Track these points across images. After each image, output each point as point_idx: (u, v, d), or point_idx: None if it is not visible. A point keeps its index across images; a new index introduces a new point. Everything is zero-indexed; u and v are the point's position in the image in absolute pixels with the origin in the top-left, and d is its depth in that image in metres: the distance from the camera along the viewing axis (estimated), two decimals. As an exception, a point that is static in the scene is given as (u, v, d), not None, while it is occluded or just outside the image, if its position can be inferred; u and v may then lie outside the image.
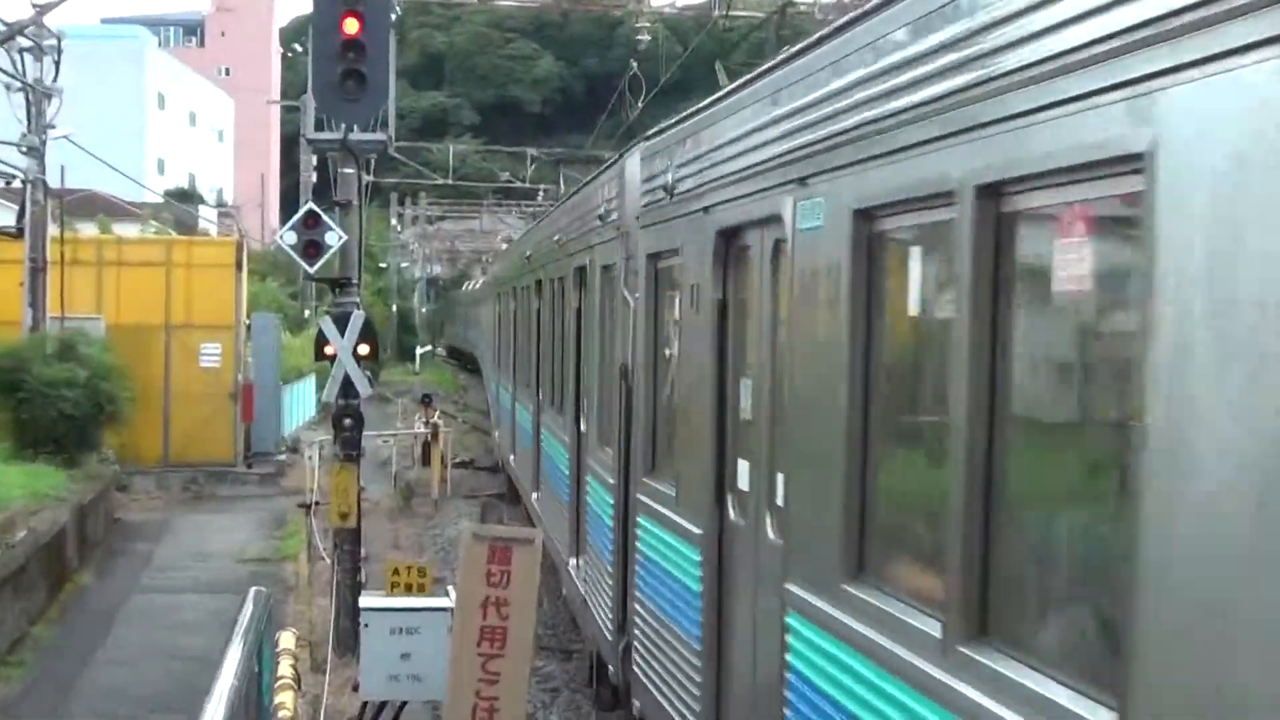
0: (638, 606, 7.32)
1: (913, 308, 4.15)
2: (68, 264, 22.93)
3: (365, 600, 10.27)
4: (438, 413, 25.89)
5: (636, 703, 7.52)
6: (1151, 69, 2.52)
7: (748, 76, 5.53)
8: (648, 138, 7.47)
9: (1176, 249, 2.35)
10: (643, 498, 7.48)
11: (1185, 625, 2.27)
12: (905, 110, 3.83)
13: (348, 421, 13.06)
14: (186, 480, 23.54)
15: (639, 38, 23.22)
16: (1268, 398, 2.11)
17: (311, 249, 13.12)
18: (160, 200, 44.46)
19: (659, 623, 7.03)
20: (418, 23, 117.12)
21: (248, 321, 25.34)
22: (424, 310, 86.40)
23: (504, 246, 38.76)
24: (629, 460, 7.93)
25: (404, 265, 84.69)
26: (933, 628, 3.55)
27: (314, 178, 41.42)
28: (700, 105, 6.27)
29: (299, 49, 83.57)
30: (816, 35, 4.74)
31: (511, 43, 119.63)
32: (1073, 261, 3.03)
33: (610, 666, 8.44)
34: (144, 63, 74.35)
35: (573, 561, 8.72)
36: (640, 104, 21.62)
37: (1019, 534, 3.31)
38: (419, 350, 63.82)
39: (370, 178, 32.55)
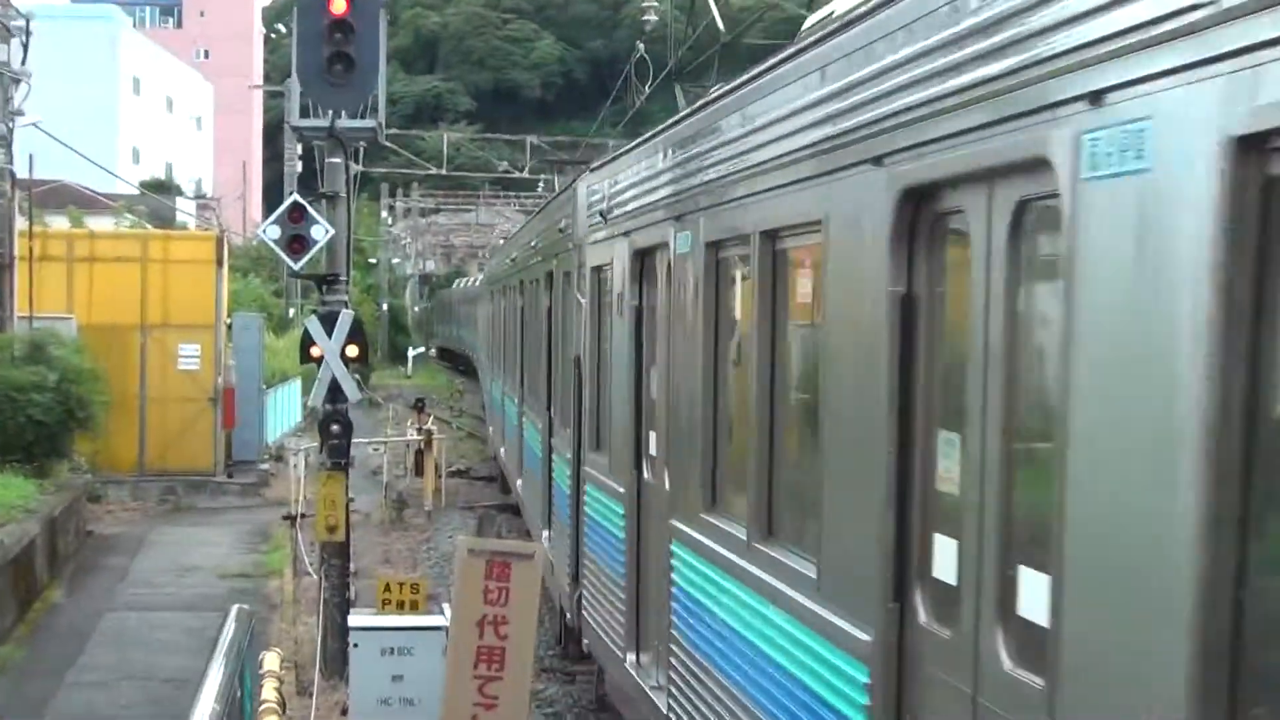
0: (586, 561, 9.11)
1: (736, 312, 6.20)
2: (37, 260, 22.94)
3: (354, 619, 10.28)
4: (431, 419, 25.94)
5: (586, 641, 9.64)
6: (824, 170, 4.67)
7: (657, 130, 7.39)
8: (593, 169, 9.37)
9: (836, 280, 4.60)
10: (588, 469, 9.68)
11: (843, 516, 4.48)
12: (725, 176, 5.94)
13: (335, 428, 13.09)
14: (164, 490, 23.59)
15: (645, 18, 22.83)
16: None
17: (296, 244, 13.14)
18: (135, 191, 44.58)
19: (598, 569, 9.02)
20: (410, 2, 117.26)
21: (228, 321, 25.33)
22: (416, 309, 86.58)
23: (501, 241, 38.82)
24: (581, 438, 9.84)
25: (395, 261, 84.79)
26: (741, 533, 5.88)
27: (299, 168, 41.47)
28: (626, 147, 8.12)
29: (283, 30, 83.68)
30: (684, 112, 6.80)
31: (510, 23, 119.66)
32: (802, 283, 5.35)
33: (568, 614, 10.59)
34: (117, 45, 74.57)
35: (545, 533, 10.39)
36: (648, 89, 21.40)
37: (785, 476, 5.56)
38: (411, 352, 63.97)
39: (359, 168, 32.54)
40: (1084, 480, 3.18)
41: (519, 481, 15.93)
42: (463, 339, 60.00)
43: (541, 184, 56.39)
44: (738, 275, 5.99)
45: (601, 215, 8.67)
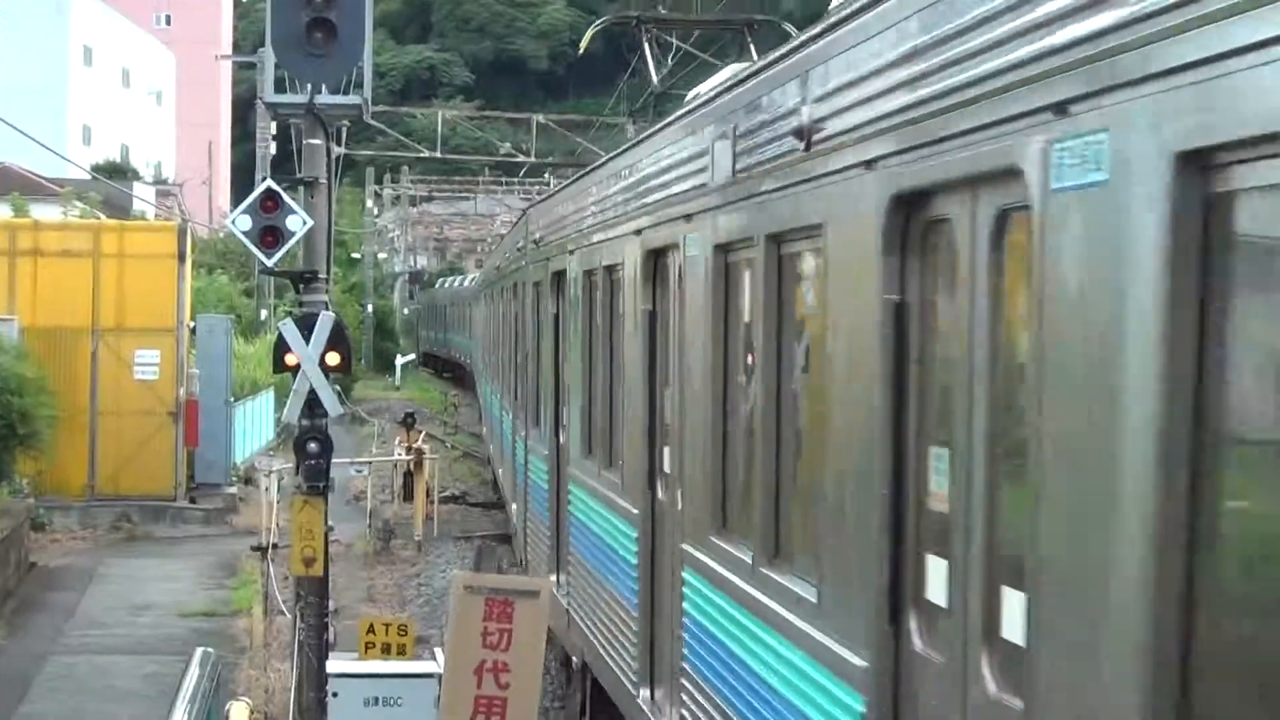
0: (527, 514, 13.28)
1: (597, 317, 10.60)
2: (-27, 254, 23.65)
3: (334, 664, 10.30)
4: (422, 436, 25.98)
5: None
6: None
7: (572, 178, 10.58)
8: (536, 203, 12.83)
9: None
10: (532, 441, 14.53)
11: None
12: (599, 221, 9.21)
13: (313, 446, 13.12)
14: (117, 517, 23.71)
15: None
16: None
17: (270, 236, 13.19)
18: (86, 176, 44.81)
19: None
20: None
21: (192, 324, 25.46)
22: (406, 311, 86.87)
23: (502, 234, 38.90)
24: (527, 422, 13.23)
25: (382, 256, 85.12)
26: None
27: (273, 150, 41.62)
28: (554, 190, 11.30)
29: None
30: (601, 161, 9.32)
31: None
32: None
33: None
34: (67, 10, 75.07)
35: (514, 505, 13.37)
36: (670, 60, 21.68)
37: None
38: (400, 360, 64.21)
39: (342, 150, 32.69)
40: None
41: (500, 469, 17.78)
42: (455, 345, 60.22)
43: (550, 170, 56.47)
44: (601, 288, 10.46)
45: (535, 243, 12.44)
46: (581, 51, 21.14)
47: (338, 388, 13.33)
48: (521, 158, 49.07)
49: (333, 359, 13.23)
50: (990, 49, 3.88)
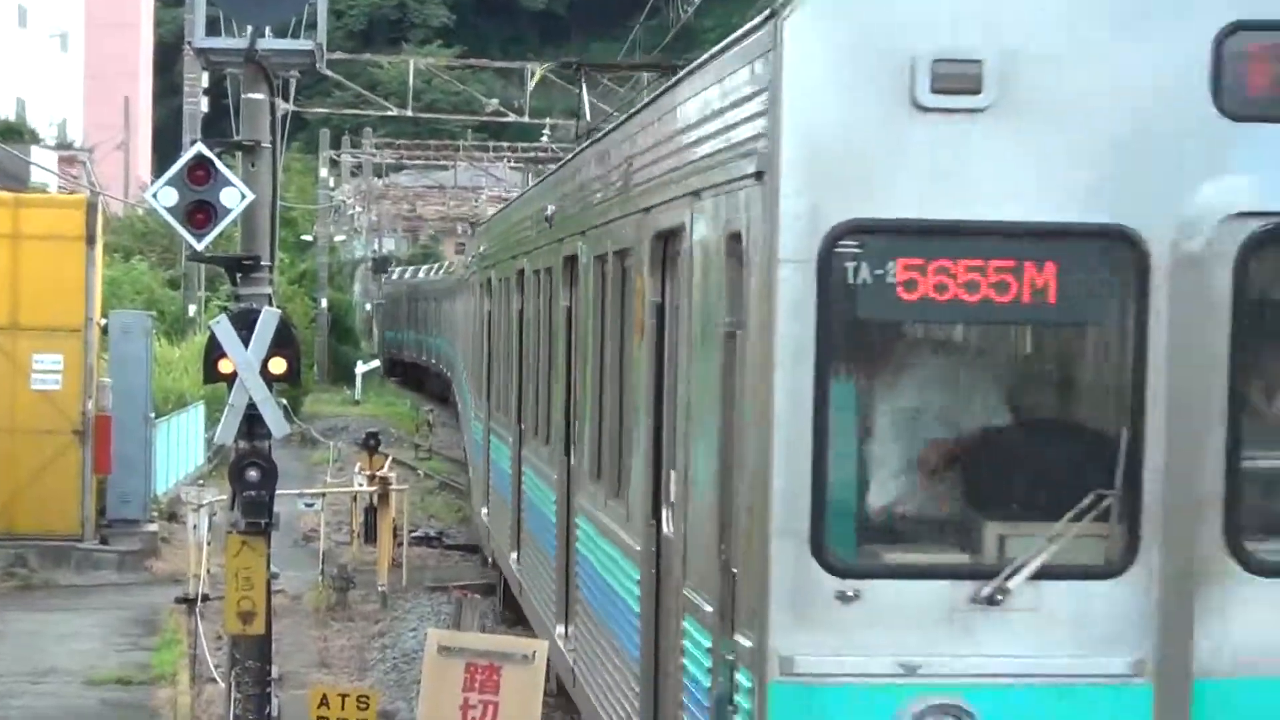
0: (488, 495, 18.42)
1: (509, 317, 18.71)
2: None
3: (278, 744, 10.30)
4: (389, 462, 26.03)
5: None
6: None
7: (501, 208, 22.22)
8: (480, 223, 22.97)
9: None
10: (493, 425, 19.24)
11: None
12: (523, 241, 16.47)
13: (252, 474, 13.19)
14: (11, 561, 23.70)
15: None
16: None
17: (200, 214, 13.27)
18: (-28, 139, 44.90)
19: (496, 495, 17.94)
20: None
21: (103, 322, 25.45)
22: (369, 307, 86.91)
23: (491, 211, 38.79)
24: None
25: (340, 239, 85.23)
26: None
27: (204, 107, 41.76)
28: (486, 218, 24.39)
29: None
30: (512, 199, 23.09)
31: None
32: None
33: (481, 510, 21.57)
34: (-50, -67, 74.99)
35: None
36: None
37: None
38: (361, 367, 64.28)
39: (290, 107, 32.66)
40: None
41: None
42: (430, 349, 60.34)
43: (548, 130, 56.22)
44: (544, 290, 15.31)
45: (479, 258, 19.11)
46: None
47: (284, 402, 13.36)
48: (513, 117, 48.88)
49: (277, 366, 13.28)
50: (667, 169, 9.16)
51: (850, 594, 6.68)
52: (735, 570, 7.38)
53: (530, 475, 15.80)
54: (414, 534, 26.71)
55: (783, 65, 6.77)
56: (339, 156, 77.32)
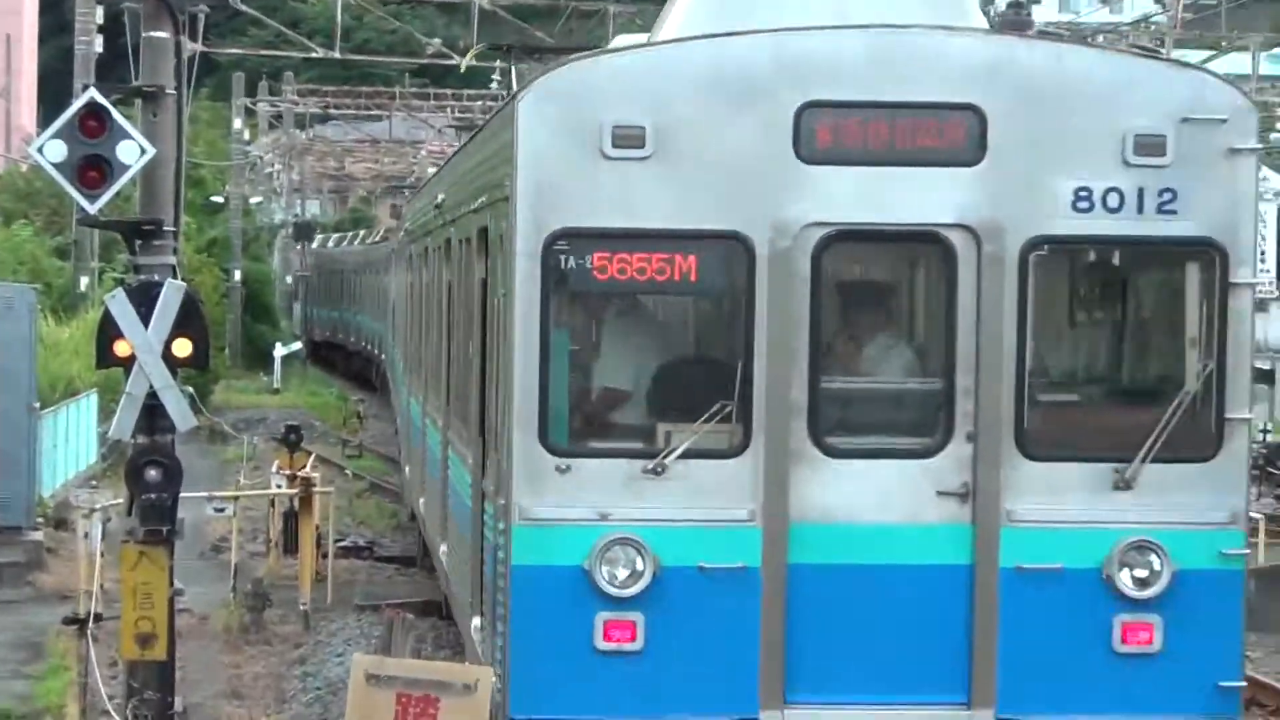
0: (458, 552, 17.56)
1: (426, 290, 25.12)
2: None
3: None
4: (312, 461, 26.01)
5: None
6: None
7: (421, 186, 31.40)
8: (419, 184, 36.88)
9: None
10: (427, 409, 22.14)
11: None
12: (427, 224, 23.18)
13: (153, 474, 13.20)
14: None
15: None
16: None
17: (93, 171, 13.29)
18: None
19: (430, 485, 20.82)
20: None
21: (-24, 296, 26.05)
22: (290, 280, 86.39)
23: (432, 171, 38.69)
24: (425, 387, 21.95)
25: (256, 201, 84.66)
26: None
27: (99, 48, 41.51)
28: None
29: None
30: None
31: None
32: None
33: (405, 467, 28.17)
34: None
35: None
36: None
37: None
38: (281, 350, 64.04)
39: (198, 47, 32.45)
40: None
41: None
42: (361, 329, 60.27)
43: (497, 76, 55.97)
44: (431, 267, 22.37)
45: (406, 231, 24.12)
46: None
47: (190, 390, 13.35)
48: (456, 60, 48.54)
49: (182, 348, 13.30)
50: (480, 184, 14.51)
51: (564, 468, 11.86)
52: (500, 457, 12.68)
53: (452, 457, 18.18)
54: (340, 544, 26.73)
55: (518, 129, 12.01)
56: (255, 105, 76.67)
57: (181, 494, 13.38)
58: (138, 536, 13.00)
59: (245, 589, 23.09)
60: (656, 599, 12.28)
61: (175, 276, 13.18)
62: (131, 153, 13.05)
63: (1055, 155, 12.62)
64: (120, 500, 17.14)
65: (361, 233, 71.89)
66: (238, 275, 65.80)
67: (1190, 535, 12.64)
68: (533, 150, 12.21)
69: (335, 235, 79.37)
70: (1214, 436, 12.69)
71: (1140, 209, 12.64)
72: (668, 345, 13.20)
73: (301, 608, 23.05)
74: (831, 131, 12.47)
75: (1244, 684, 13.18)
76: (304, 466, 24.88)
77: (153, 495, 12.97)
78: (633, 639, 12.35)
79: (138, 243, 13.46)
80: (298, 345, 69.48)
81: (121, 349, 12.90)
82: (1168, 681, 12.71)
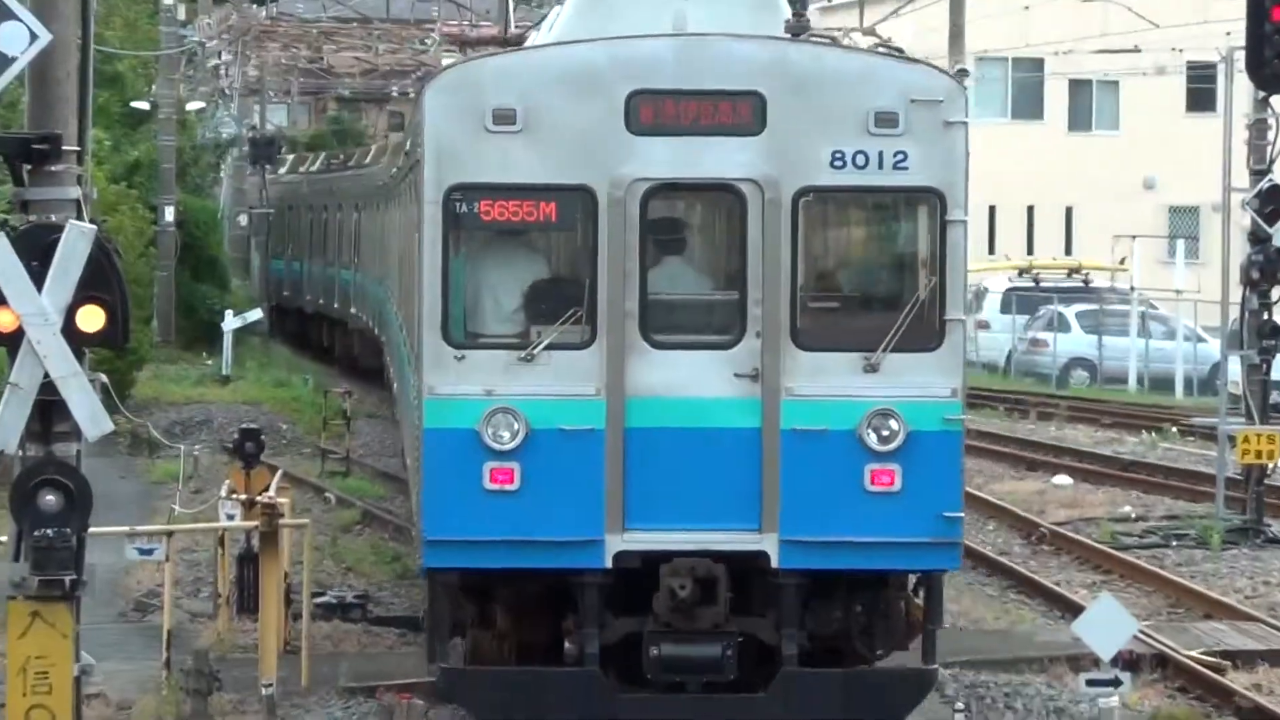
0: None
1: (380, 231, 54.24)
2: None
3: None
4: (278, 480, 25.93)
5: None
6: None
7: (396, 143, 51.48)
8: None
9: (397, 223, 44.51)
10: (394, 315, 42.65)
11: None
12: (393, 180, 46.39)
13: (50, 501, 13.10)
14: None
15: None
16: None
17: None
18: None
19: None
20: None
21: None
22: (245, 222, 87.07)
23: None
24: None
25: (197, 107, 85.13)
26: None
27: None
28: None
29: None
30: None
31: None
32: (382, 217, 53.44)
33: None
34: None
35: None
36: None
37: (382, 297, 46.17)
38: (232, 321, 64.21)
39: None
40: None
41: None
42: (347, 290, 60.76)
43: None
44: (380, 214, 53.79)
45: (389, 177, 45.66)
46: None
47: (103, 377, 13.21)
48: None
49: (91, 319, 13.24)
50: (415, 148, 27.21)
51: (460, 357, 22.05)
52: (417, 350, 22.93)
53: (407, 367, 29.72)
54: (320, 599, 26.89)
55: (424, 112, 22.40)
56: (194, -30, 77.70)
57: (91, 529, 13.24)
58: (28, 590, 12.91)
59: (184, 665, 23.05)
60: (529, 452, 22.37)
61: (81, 217, 13.06)
62: (17, 39, 12.93)
63: (816, 128, 22.41)
64: (3, 539, 17.12)
65: (347, 152, 71.93)
66: (170, 214, 66.17)
67: (921, 405, 22.55)
68: (435, 127, 22.57)
69: (310, 157, 79.49)
70: (938, 332, 22.63)
71: (880, 166, 22.48)
72: (535, 268, 23.38)
73: (264, 691, 22.92)
74: (653, 112, 22.44)
75: (961, 514, 23.15)
76: (266, 489, 24.89)
77: (49, 531, 12.92)
78: (511, 482, 22.46)
79: (26, 168, 13.37)
80: (257, 314, 68.90)
81: (3, 320, 12.77)
82: (906, 513, 22.54)
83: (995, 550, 37.39)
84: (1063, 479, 47.08)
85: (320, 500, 36.18)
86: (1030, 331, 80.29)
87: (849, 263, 24.73)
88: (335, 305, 62.33)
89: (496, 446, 22.41)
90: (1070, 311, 79.13)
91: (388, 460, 41.41)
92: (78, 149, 13.52)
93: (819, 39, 26.48)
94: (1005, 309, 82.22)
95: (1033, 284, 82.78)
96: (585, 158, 22.61)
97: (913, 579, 23.64)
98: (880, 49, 27.43)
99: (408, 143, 31.32)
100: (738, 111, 23.06)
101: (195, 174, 76.30)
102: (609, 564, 22.95)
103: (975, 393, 59.58)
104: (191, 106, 76.82)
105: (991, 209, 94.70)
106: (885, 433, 22.60)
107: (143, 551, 24.15)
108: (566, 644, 23.05)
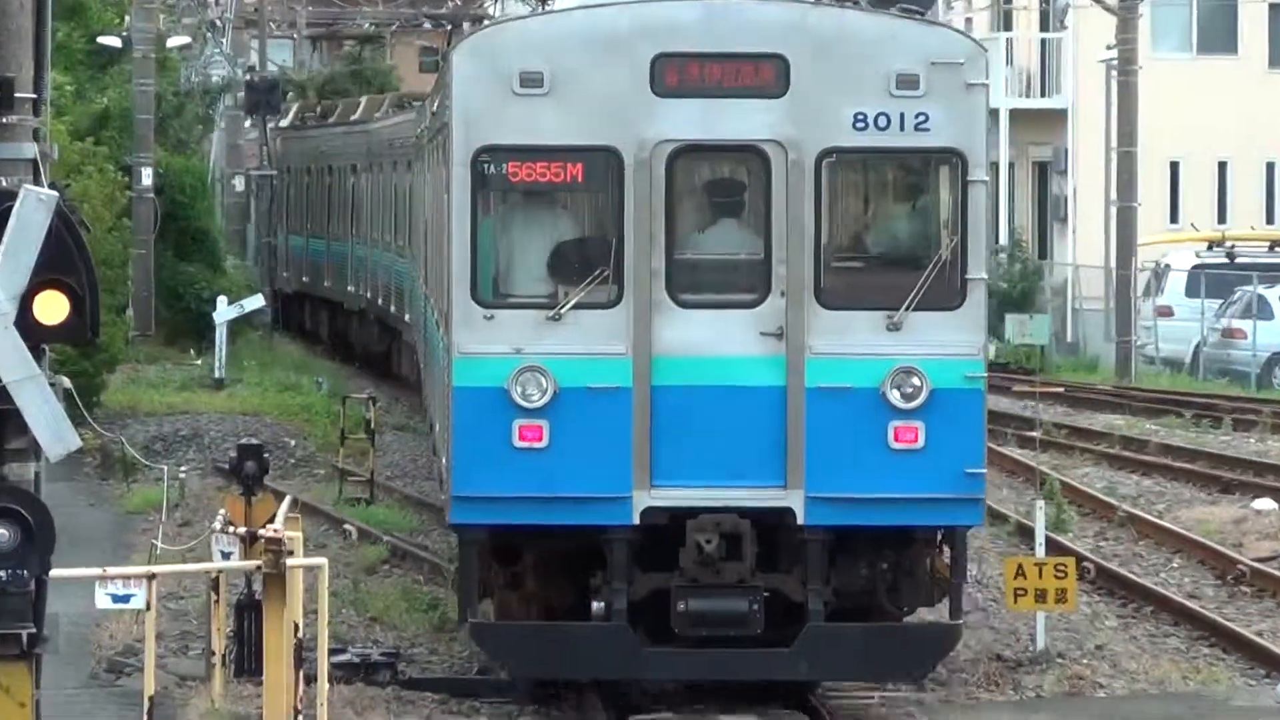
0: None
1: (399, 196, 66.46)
2: None
3: None
4: (285, 509, 26.01)
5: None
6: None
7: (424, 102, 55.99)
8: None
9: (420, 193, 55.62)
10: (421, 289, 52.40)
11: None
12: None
13: (2, 535, 13.04)
14: None
15: None
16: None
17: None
18: None
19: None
20: None
21: None
22: (243, 184, 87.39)
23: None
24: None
25: (180, 44, 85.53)
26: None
27: None
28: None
29: None
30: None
31: None
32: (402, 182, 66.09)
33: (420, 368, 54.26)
34: None
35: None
36: None
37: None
38: (225, 312, 64.24)
39: None
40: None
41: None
42: (369, 271, 62.43)
43: None
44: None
45: (424, 133, 49.96)
46: None
47: (66, 381, 13.25)
48: None
49: (51, 308, 13.24)
50: (442, 111, 35.61)
51: (489, 316, 28.02)
52: (447, 310, 29.60)
53: (434, 329, 36.51)
54: (339, 658, 27.30)
55: (452, 74, 28.67)
56: None
57: (54, 571, 13.26)
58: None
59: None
60: (557, 410, 27.20)
61: (39, 181, 13.07)
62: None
63: (839, 89, 27.06)
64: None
65: (367, 100, 72.25)
66: (148, 177, 66.24)
67: (943, 363, 27.18)
68: (463, 90, 27.55)
69: (322, 107, 79.83)
70: (960, 291, 27.35)
71: (902, 128, 27.12)
72: (563, 228, 28.55)
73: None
74: (677, 74, 27.21)
75: (984, 470, 27.70)
76: (271, 520, 24.99)
77: (2, 574, 12.89)
78: (540, 439, 27.31)
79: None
80: (258, 302, 68.57)
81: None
82: (929, 469, 27.25)
83: (1182, 593, 37.25)
84: (1266, 504, 46.09)
85: (338, 534, 36.37)
86: (1223, 320, 79.06)
87: (872, 223, 30.11)
88: (351, 288, 62.80)
89: (525, 404, 27.33)
90: (1274, 294, 77.45)
91: (421, 483, 41.45)
92: (33, 96, 13.52)
93: (842, 1, 31.10)
94: (1192, 292, 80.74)
95: (1226, 260, 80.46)
96: (611, 119, 27.77)
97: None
98: (901, 10, 31.21)
99: (435, 104, 37.51)
100: (761, 74, 28.03)
101: (179, 127, 76.60)
102: (636, 520, 27.56)
103: (1156, 396, 68.66)
104: (173, 43, 77.14)
105: (1174, 167, 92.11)
106: (908, 390, 27.40)
107: (117, 598, 24.09)
108: (594, 603, 27.65)
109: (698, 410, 27.56)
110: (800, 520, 27.46)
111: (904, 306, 27.05)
